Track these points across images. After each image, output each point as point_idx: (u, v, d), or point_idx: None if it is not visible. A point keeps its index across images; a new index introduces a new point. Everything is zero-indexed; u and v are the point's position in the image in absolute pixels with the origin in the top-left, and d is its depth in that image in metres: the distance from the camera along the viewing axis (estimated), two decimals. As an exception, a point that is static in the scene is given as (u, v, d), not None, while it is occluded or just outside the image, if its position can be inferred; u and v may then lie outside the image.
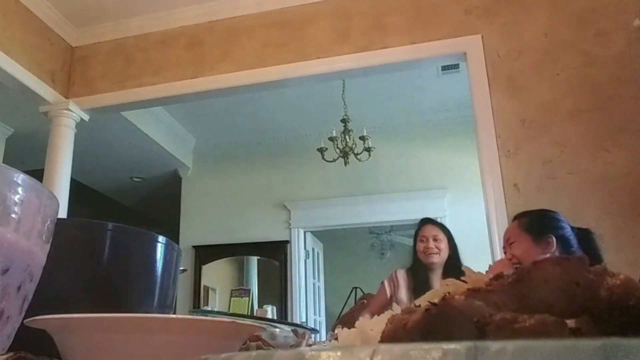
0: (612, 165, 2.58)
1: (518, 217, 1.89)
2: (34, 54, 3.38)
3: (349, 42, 3.19)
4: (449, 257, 2.75)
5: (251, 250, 5.64)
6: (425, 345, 0.16)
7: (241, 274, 6.39)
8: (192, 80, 3.40)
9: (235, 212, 5.43)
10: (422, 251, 2.76)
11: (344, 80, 4.30)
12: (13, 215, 0.34)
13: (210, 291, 5.66)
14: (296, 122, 5.27)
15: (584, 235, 1.80)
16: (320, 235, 5.90)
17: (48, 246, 0.40)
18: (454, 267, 2.65)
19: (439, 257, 2.73)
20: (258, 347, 0.81)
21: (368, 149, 4.29)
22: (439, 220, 5.08)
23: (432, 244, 2.77)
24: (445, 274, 2.66)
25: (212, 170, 5.67)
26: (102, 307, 0.69)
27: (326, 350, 0.17)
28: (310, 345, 0.91)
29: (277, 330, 0.86)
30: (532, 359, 0.15)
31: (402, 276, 2.78)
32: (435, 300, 0.24)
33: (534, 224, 1.80)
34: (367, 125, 4.46)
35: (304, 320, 5.08)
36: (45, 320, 0.45)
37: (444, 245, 2.80)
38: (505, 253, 1.89)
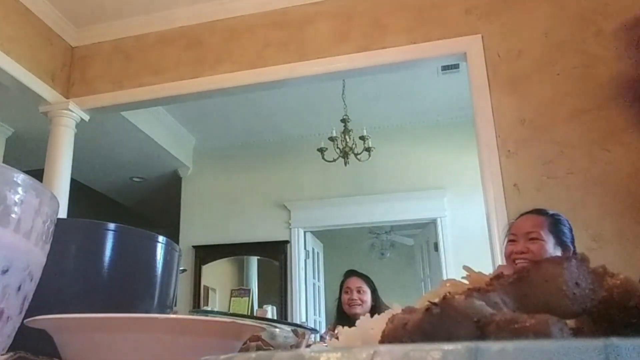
0: (612, 165, 2.58)
1: (540, 214, 1.83)
2: (34, 54, 3.38)
3: (349, 42, 3.19)
4: (372, 307, 2.86)
5: (251, 250, 5.63)
6: (426, 346, 0.16)
7: (241, 274, 6.38)
8: (192, 80, 3.40)
9: (235, 212, 5.43)
10: (346, 302, 2.87)
11: (344, 80, 4.29)
12: (13, 215, 0.34)
13: (210, 291, 5.66)
14: (296, 122, 5.27)
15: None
16: (320, 235, 5.89)
17: (48, 246, 0.40)
18: None
19: (362, 309, 2.86)
20: (258, 347, 0.81)
21: (368, 149, 4.29)
22: (438, 220, 5.11)
23: (355, 295, 2.90)
24: None
25: (212, 170, 5.67)
26: (102, 307, 0.69)
27: (326, 351, 0.17)
28: (309, 345, 0.91)
29: (277, 330, 0.86)
30: (532, 359, 0.15)
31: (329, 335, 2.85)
32: (436, 300, 0.24)
33: (558, 229, 1.79)
34: (367, 125, 4.46)
35: (304, 320, 5.08)
36: (45, 320, 0.45)
37: (367, 297, 2.94)
38: (510, 241, 1.82)
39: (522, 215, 1.91)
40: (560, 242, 1.75)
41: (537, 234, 1.75)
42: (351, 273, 3.10)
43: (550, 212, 1.86)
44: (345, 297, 2.94)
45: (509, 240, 1.83)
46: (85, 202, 5.97)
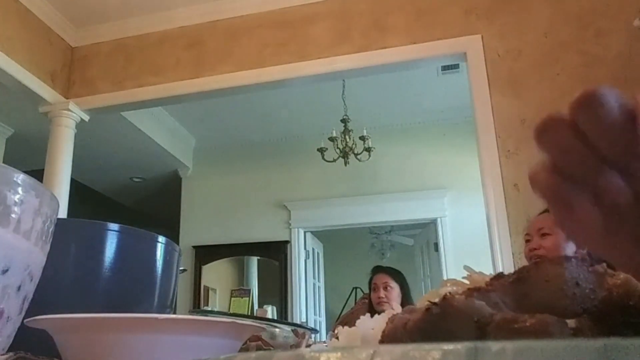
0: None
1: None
2: (34, 54, 3.38)
3: (349, 42, 3.19)
4: (402, 303, 2.75)
5: (251, 250, 5.63)
6: (426, 346, 0.16)
7: (241, 274, 6.38)
8: (192, 80, 3.40)
9: (235, 212, 5.43)
10: (375, 301, 2.79)
11: (344, 80, 4.29)
12: (13, 215, 0.34)
13: (210, 291, 5.66)
14: (296, 122, 5.27)
15: None
16: (320, 235, 5.89)
17: (48, 246, 0.40)
18: None
19: (389, 306, 2.72)
20: (258, 347, 0.81)
21: (368, 149, 4.29)
22: (438, 220, 5.11)
23: (382, 292, 2.81)
24: None
25: (212, 170, 5.67)
26: (102, 307, 0.69)
27: (326, 351, 0.17)
28: (309, 345, 0.91)
29: (277, 330, 0.86)
30: (532, 359, 0.15)
31: None
32: (436, 300, 0.24)
33: None
34: (367, 125, 4.46)
35: (304, 320, 5.08)
36: (45, 320, 0.45)
37: (395, 293, 2.84)
38: (527, 240, 1.84)
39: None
40: None
41: (548, 228, 1.75)
42: (377, 269, 3.00)
43: None
44: (373, 295, 2.85)
45: (526, 240, 1.85)
46: (85, 202, 5.96)
